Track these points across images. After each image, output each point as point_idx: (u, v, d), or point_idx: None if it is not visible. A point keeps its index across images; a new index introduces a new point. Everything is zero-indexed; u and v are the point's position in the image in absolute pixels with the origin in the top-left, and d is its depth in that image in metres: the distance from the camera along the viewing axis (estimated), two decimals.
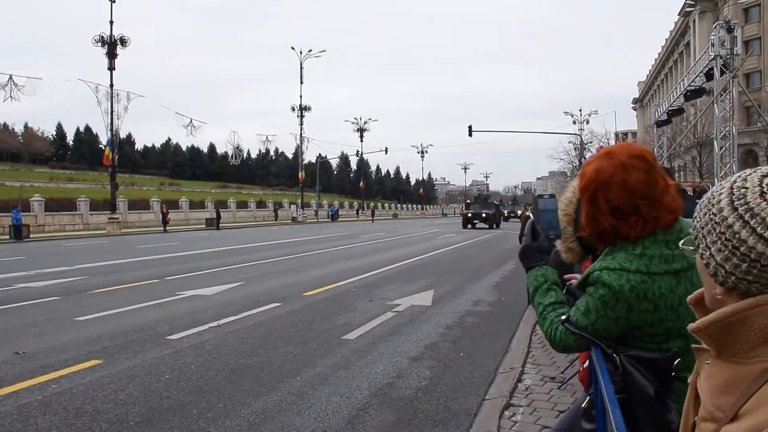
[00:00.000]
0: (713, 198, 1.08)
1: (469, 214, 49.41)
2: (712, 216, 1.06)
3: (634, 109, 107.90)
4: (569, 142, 72.55)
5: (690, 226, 1.92)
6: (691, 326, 1.09)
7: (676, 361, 1.80)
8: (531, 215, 2.34)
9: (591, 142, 67.14)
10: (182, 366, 6.97)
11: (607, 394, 1.71)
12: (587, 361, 2.43)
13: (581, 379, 2.73)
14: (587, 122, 68.67)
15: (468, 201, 61.19)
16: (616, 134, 77.22)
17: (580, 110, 68.49)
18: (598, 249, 2.04)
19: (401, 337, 8.48)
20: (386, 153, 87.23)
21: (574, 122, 67.72)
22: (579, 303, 1.94)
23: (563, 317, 1.98)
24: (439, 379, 6.48)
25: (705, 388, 1.12)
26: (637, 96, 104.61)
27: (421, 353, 7.63)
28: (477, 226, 48.11)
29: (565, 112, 70.77)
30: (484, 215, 48.82)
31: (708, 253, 1.06)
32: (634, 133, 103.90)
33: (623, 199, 1.85)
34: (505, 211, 66.73)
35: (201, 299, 11.73)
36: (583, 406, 2.15)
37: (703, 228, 1.08)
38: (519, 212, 44.77)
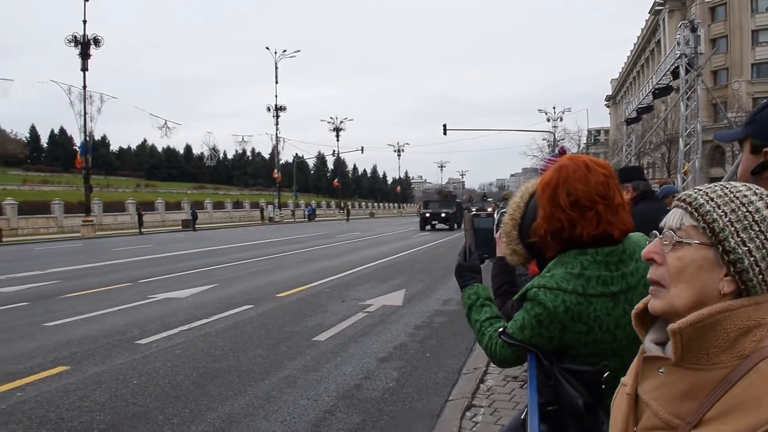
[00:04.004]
0: (738, 198, 1.09)
1: (427, 215, 44.16)
2: (747, 214, 1.07)
3: (608, 107, 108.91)
4: (543, 140, 73.07)
5: (637, 246, 1.93)
6: (671, 326, 1.08)
7: (606, 374, 1.79)
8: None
9: (563, 139, 67.72)
10: (150, 371, 6.92)
11: (530, 403, 1.73)
12: None
13: None
14: (561, 120, 69.36)
15: (426, 199, 53.03)
16: (589, 131, 77.91)
17: (554, 108, 69.09)
18: (547, 254, 2.04)
19: (371, 338, 8.49)
20: (362, 152, 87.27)
21: (548, 120, 68.24)
22: (516, 317, 1.93)
23: (500, 330, 1.98)
24: (406, 380, 6.50)
25: (656, 397, 1.11)
26: (610, 93, 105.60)
27: (390, 354, 7.64)
28: (437, 227, 43.99)
29: (539, 110, 70.97)
30: (443, 215, 43.84)
31: (744, 249, 1.05)
32: (606, 131, 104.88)
33: (583, 192, 1.86)
34: (474, 208, 65.64)
35: (173, 302, 11.65)
36: (521, 417, 2.16)
37: (734, 224, 1.07)
38: (490, 209, 41.14)
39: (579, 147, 70.75)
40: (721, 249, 1.07)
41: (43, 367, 7.09)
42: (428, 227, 43.29)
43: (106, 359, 7.44)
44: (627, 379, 1.22)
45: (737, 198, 1.09)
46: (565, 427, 1.81)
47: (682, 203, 1.14)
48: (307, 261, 20.22)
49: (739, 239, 1.06)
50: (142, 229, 46.07)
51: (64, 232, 45.04)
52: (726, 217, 1.08)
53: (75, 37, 42.21)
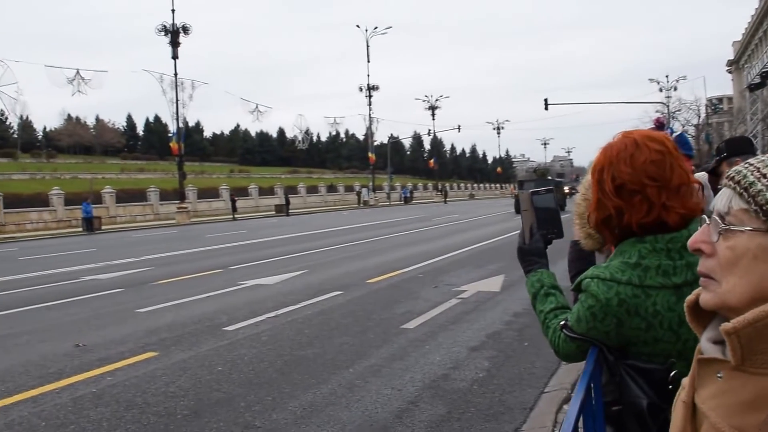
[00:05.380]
0: None
1: None
2: None
3: (729, 72, 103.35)
4: (656, 111, 70.20)
5: None
6: (725, 326, 0.95)
7: (673, 373, 1.67)
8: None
9: (679, 110, 64.88)
10: (235, 358, 7.15)
11: (576, 393, 1.65)
12: None
13: None
14: (675, 89, 66.35)
15: (521, 179, 49.72)
16: (709, 100, 74.12)
17: (667, 77, 66.24)
18: (606, 244, 1.94)
19: (463, 326, 8.43)
20: (459, 131, 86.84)
21: (661, 90, 65.61)
22: (573, 309, 1.86)
23: (562, 323, 1.90)
24: (498, 371, 6.42)
25: (715, 407, 0.99)
26: (732, 57, 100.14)
27: (482, 343, 7.56)
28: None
29: (650, 80, 68.16)
30: None
31: None
32: (729, 98, 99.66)
33: (629, 175, 1.73)
34: (579, 188, 62.87)
35: (262, 289, 11.99)
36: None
37: None
38: None
39: (699, 117, 67.68)
40: None
41: (133, 353, 7.47)
42: None
43: (194, 345, 7.74)
44: (685, 382, 1.11)
45: None
46: (626, 429, 1.72)
47: (730, 182, 1.00)
48: (400, 245, 20.33)
49: None
50: (236, 215, 47.65)
51: (159, 219, 47.26)
52: None
53: (164, 26, 44.17)
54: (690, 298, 1.08)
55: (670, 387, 1.65)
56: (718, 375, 0.99)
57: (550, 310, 2.02)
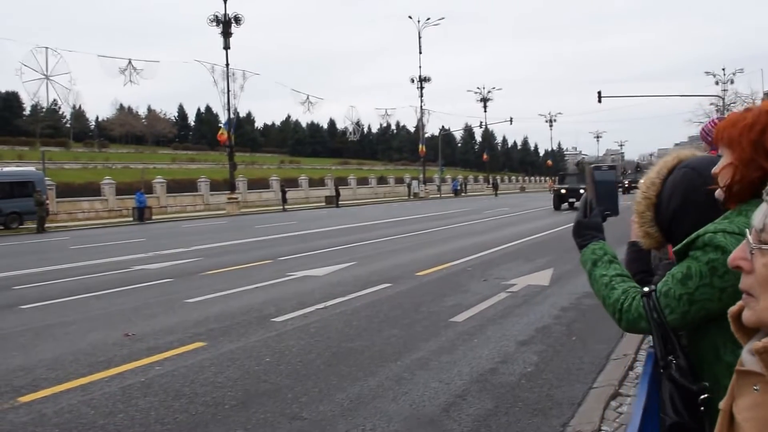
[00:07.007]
0: None
1: (563, 191, 36.75)
2: None
3: None
4: (711, 104, 68.58)
5: None
6: (756, 345, 0.97)
7: (703, 396, 1.62)
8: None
9: (734, 104, 63.38)
10: (283, 349, 7.24)
11: (638, 398, 1.62)
12: None
13: None
14: (731, 82, 64.89)
15: (563, 173, 44.95)
16: (766, 93, 72.14)
17: (723, 69, 64.73)
18: (727, 204, 1.88)
19: (512, 320, 8.40)
20: (511, 123, 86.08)
21: (717, 83, 64.22)
22: (675, 271, 1.76)
23: (647, 289, 1.80)
24: (546, 365, 6.39)
25: (749, 418, 0.99)
26: None
27: (531, 337, 7.53)
28: (576, 205, 38.51)
29: (706, 72, 66.99)
30: (582, 191, 38.67)
31: None
32: None
33: None
34: (626, 181, 59.74)
35: (311, 280, 12.10)
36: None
37: None
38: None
39: None
40: None
41: (182, 343, 7.62)
42: (565, 206, 36.45)
43: (242, 336, 7.86)
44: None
45: None
46: None
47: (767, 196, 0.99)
48: (450, 238, 20.30)
49: None
50: (286, 206, 48.10)
51: (210, 210, 47.99)
52: None
53: (216, 16, 44.71)
54: (733, 309, 1.08)
55: (702, 409, 1.61)
56: (755, 387, 0.99)
57: (616, 274, 1.95)
